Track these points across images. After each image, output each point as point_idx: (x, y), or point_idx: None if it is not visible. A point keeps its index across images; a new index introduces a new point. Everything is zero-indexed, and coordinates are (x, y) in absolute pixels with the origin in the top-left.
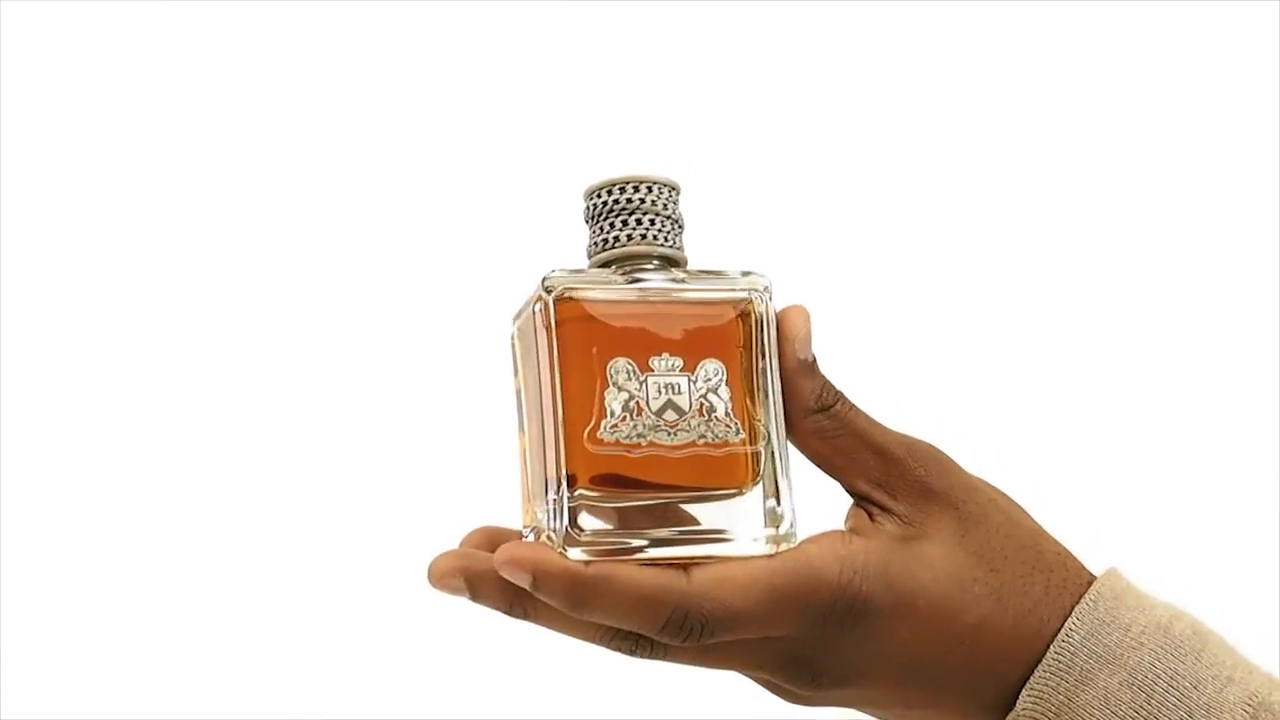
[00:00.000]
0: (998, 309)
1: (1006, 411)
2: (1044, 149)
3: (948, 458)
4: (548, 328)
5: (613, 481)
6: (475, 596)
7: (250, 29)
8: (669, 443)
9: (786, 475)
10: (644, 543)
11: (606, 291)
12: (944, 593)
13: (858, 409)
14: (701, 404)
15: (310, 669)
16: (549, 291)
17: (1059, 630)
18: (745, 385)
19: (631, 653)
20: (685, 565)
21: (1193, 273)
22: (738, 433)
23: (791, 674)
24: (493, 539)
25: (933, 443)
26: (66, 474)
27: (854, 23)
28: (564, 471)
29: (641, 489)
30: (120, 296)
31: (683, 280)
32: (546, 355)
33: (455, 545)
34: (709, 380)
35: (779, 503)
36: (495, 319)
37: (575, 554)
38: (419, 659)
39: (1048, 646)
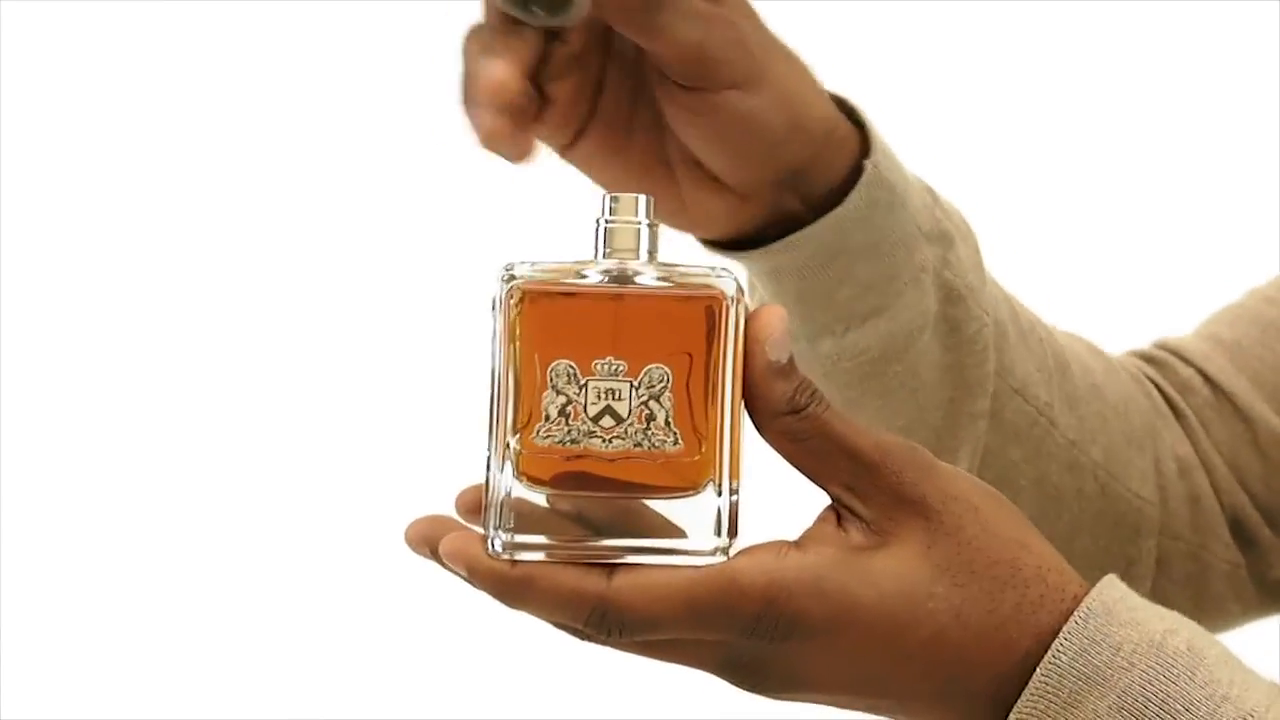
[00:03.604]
0: None
1: None
2: (1037, 147)
3: (932, 462)
4: (494, 320)
5: (543, 484)
6: (440, 564)
7: (247, 29)
8: (603, 450)
9: (731, 485)
10: (568, 545)
11: (562, 286)
12: (889, 609)
13: (833, 409)
14: (642, 411)
15: (307, 665)
16: (502, 282)
17: (1032, 650)
18: (696, 390)
19: (576, 636)
20: (612, 567)
21: (1190, 272)
22: (676, 443)
23: (734, 678)
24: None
25: (918, 447)
26: (59, 469)
27: (842, 24)
28: (494, 470)
29: (572, 491)
30: (110, 293)
31: (651, 278)
32: (492, 349)
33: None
34: (652, 387)
35: (716, 514)
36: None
37: (499, 552)
38: (415, 646)
39: (1021, 664)
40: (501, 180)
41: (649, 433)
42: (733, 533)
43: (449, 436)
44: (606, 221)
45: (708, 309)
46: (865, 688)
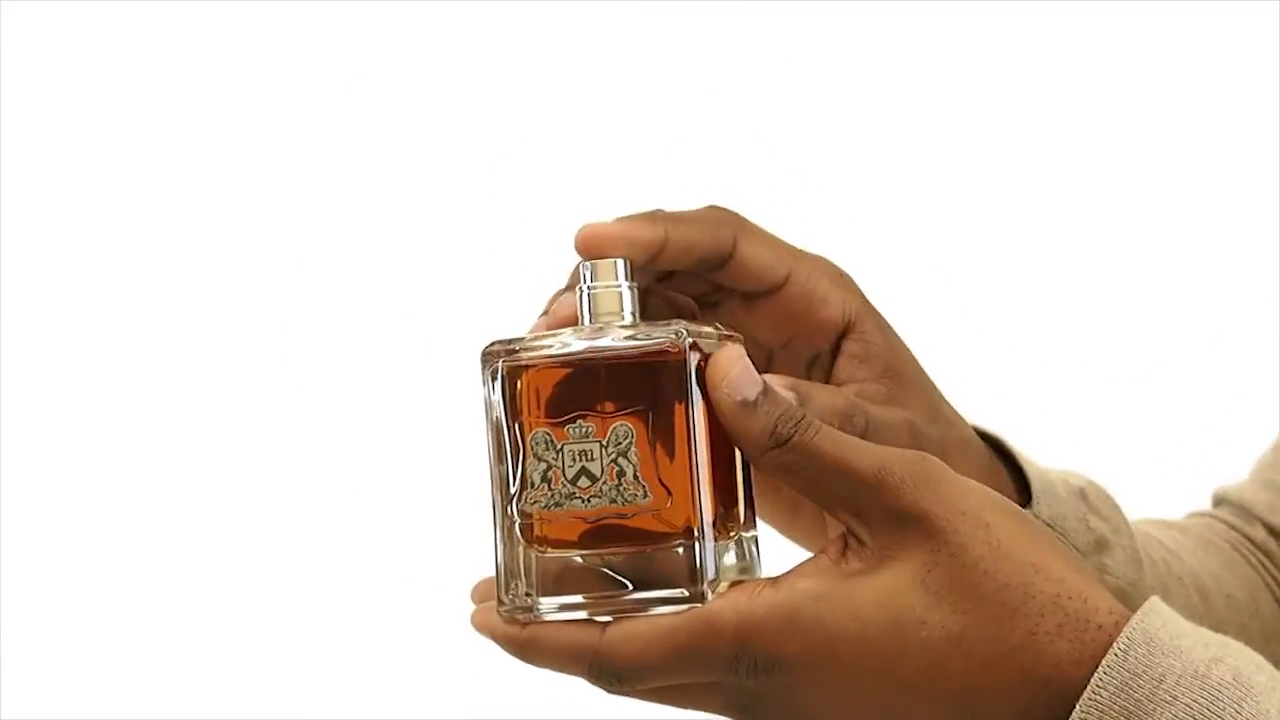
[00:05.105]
0: (990, 313)
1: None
2: (1035, 151)
3: (941, 474)
4: (485, 396)
5: (540, 542)
6: None
7: (247, 30)
8: (583, 510)
9: (705, 530)
10: (559, 605)
11: (532, 359)
12: (873, 639)
13: (825, 431)
14: (612, 468)
15: (308, 669)
16: (484, 363)
17: (1052, 677)
18: (659, 443)
19: (598, 686)
20: (606, 621)
21: (1188, 277)
22: (645, 495)
23: (740, 717)
24: None
25: (927, 457)
26: (59, 470)
27: (832, 32)
28: (498, 535)
29: (561, 551)
30: (114, 300)
31: (611, 340)
32: (485, 423)
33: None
34: (619, 444)
35: (696, 559)
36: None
37: (506, 615)
38: (418, 656)
39: (1043, 691)
40: (509, 194)
41: (620, 488)
42: (714, 576)
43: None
44: (589, 288)
45: (653, 364)
46: (875, 719)
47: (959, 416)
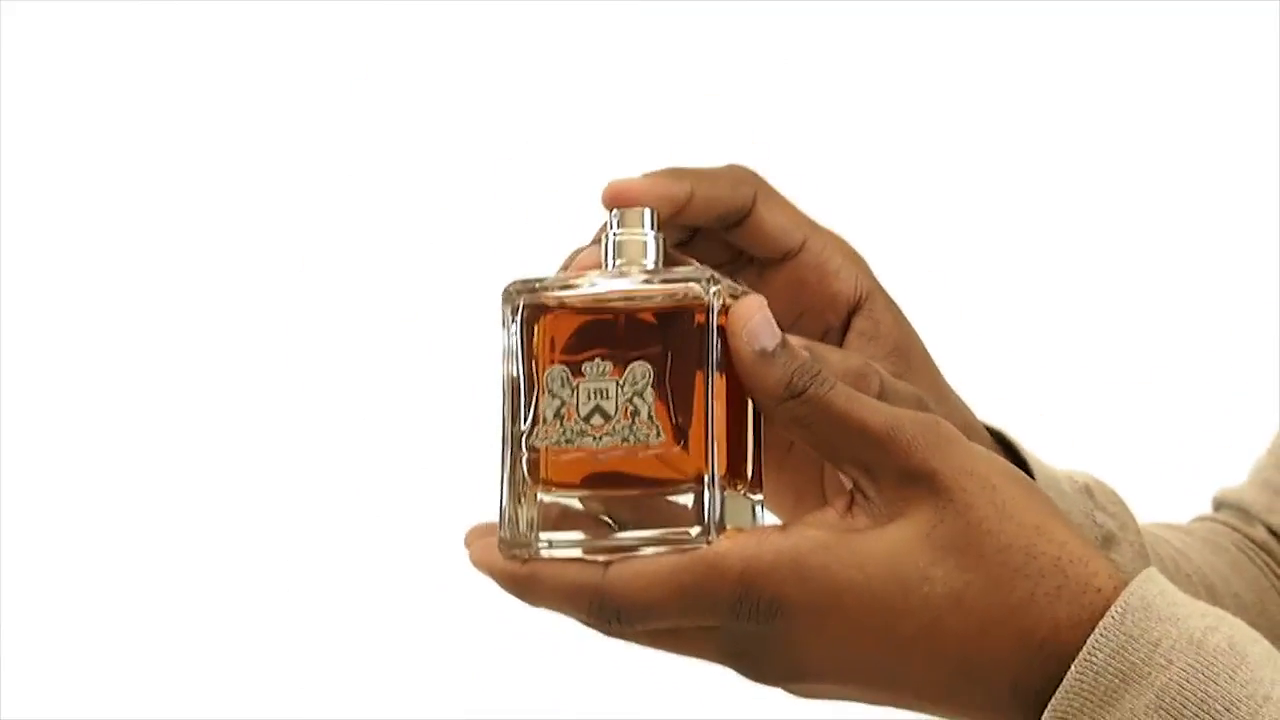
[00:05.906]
0: (992, 312)
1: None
2: (1036, 152)
3: (952, 436)
4: (503, 336)
5: (545, 483)
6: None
7: (247, 30)
8: (594, 447)
9: (715, 473)
10: (561, 542)
11: (556, 298)
12: (878, 592)
13: (839, 387)
14: (627, 407)
15: (308, 669)
16: (505, 301)
17: (1048, 640)
18: (676, 386)
19: (596, 629)
20: (608, 560)
21: (1188, 277)
22: (659, 435)
23: (738, 665)
24: None
25: (939, 419)
26: (59, 470)
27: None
28: (504, 474)
29: (569, 490)
30: (115, 298)
31: (632, 283)
32: (502, 362)
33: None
34: (635, 384)
35: (705, 502)
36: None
37: (506, 550)
38: (420, 646)
39: (1039, 653)
40: (509, 194)
41: (634, 428)
42: (721, 520)
43: (452, 441)
44: (615, 234)
45: (676, 308)
46: (874, 677)
47: (964, 404)
